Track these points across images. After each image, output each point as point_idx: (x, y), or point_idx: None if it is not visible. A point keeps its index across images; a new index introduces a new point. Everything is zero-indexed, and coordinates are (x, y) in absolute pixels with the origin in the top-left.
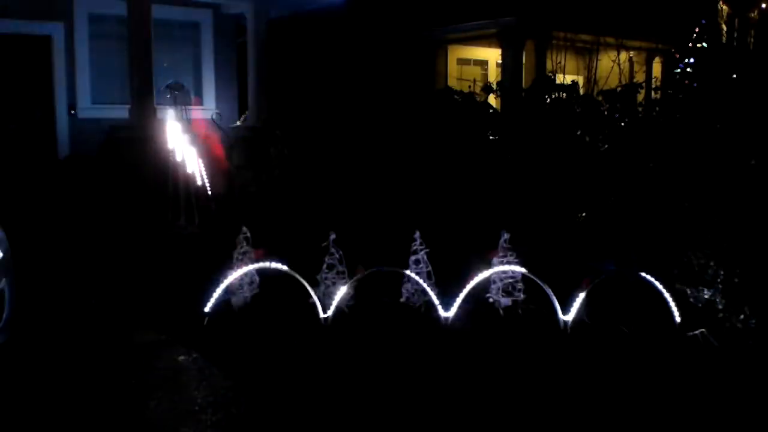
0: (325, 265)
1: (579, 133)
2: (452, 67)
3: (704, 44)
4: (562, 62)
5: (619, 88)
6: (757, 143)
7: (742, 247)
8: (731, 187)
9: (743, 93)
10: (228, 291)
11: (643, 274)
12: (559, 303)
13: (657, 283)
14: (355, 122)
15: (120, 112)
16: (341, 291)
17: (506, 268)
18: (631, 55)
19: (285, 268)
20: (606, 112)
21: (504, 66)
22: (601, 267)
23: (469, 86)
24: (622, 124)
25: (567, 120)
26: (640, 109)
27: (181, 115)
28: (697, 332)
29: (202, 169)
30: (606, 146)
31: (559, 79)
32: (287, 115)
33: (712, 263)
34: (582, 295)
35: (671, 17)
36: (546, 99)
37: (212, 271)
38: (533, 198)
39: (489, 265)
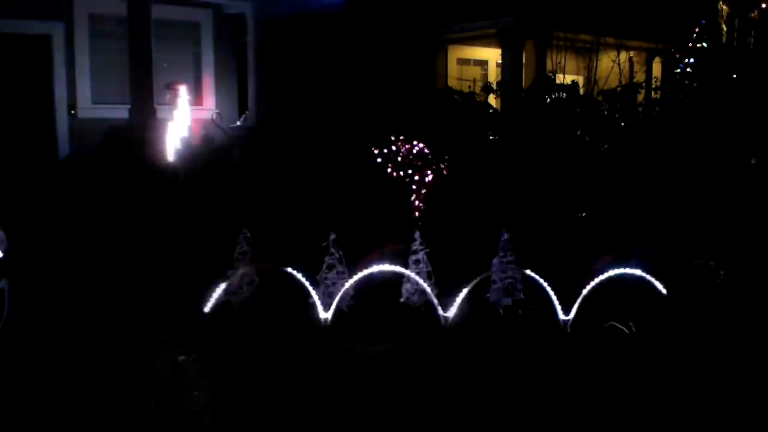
0: (325, 265)
1: (579, 133)
2: (452, 67)
3: (704, 44)
4: (562, 62)
5: (619, 88)
6: (757, 143)
7: (742, 246)
8: (731, 187)
9: (743, 93)
10: (228, 291)
11: (643, 273)
12: (559, 303)
13: (657, 283)
14: (356, 122)
15: (120, 112)
16: (341, 291)
17: (506, 268)
18: (631, 55)
19: (285, 268)
20: (606, 112)
21: (504, 66)
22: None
23: (469, 86)
24: (622, 124)
25: (567, 120)
26: (640, 109)
27: (180, 115)
28: (697, 332)
29: (202, 169)
30: (606, 146)
31: (559, 79)
32: (287, 115)
33: (712, 263)
34: (582, 295)
35: (671, 17)
36: (546, 99)
37: (212, 271)
38: (533, 198)
39: (489, 265)
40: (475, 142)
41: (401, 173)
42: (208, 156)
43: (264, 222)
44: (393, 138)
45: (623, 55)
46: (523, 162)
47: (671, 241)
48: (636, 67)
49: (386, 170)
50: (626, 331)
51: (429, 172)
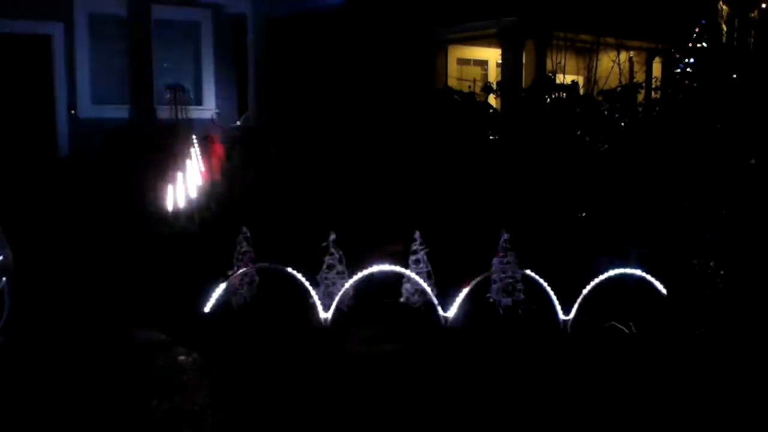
0: (325, 265)
1: (579, 133)
2: (452, 67)
3: (704, 44)
4: (562, 62)
5: (619, 88)
6: (757, 143)
7: (741, 246)
8: (731, 187)
9: (743, 93)
10: (228, 291)
11: (643, 273)
12: (559, 303)
13: (657, 283)
14: (356, 122)
15: (120, 112)
16: (341, 291)
17: (506, 268)
18: (631, 55)
19: (285, 268)
20: (606, 112)
21: (504, 66)
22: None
23: (469, 86)
24: (622, 124)
25: (567, 120)
26: (640, 109)
27: (180, 115)
28: (697, 332)
29: (202, 168)
30: (606, 146)
31: (559, 79)
32: (287, 114)
33: (712, 263)
34: (582, 295)
35: (671, 17)
36: (546, 99)
37: (212, 271)
38: (533, 198)
39: (489, 265)
40: (475, 142)
41: (401, 173)
42: (207, 156)
43: (264, 222)
44: (394, 138)
45: (623, 55)
46: (523, 162)
47: (671, 241)
48: (636, 67)
49: (387, 170)
50: (626, 331)
51: (428, 172)
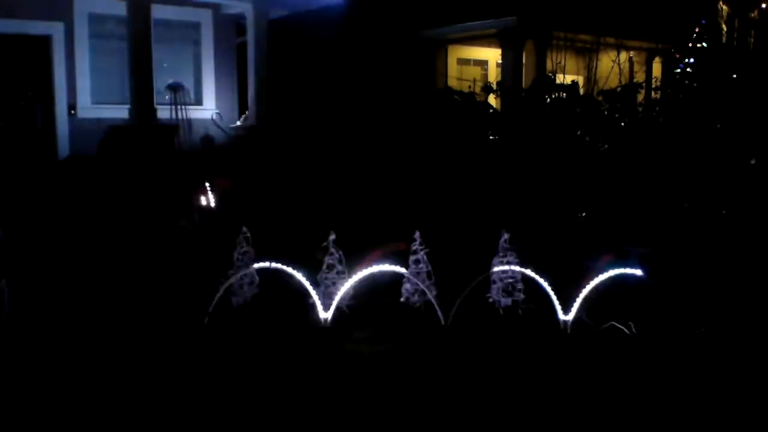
0: (325, 265)
1: (579, 133)
2: (452, 67)
3: (704, 44)
4: (562, 62)
5: (619, 88)
6: (757, 143)
7: (742, 246)
8: (731, 187)
9: (743, 93)
10: (228, 291)
11: (643, 273)
12: (559, 303)
13: (656, 284)
14: (356, 122)
15: (120, 112)
16: (341, 291)
17: (506, 268)
18: (631, 55)
19: (285, 268)
20: (606, 112)
21: (504, 66)
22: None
23: (469, 86)
24: (622, 124)
25: (567, 120)
26: (640, 109)
27: (181, 115)
28: (697, 332)
29: (202, 168)
30: (606, 146)
31: (559, 79)
32: (287, 114)
33: (711, 263)
34: (582, 295)
35: (671, 17)
36: (546, 99)
37: (212, 271)
38: (533, 198)
39: (489, 265)
40: (475, 142)
41: (401, 173)
42: (208, 156)
43: (264, 222)
44: (394, 138)
45: (623, 55)
46: (523, 162)
47: (671, 241)
48: (636, 67)
49: (387, 170)
50: (626, 331)
51: (429, 172)
